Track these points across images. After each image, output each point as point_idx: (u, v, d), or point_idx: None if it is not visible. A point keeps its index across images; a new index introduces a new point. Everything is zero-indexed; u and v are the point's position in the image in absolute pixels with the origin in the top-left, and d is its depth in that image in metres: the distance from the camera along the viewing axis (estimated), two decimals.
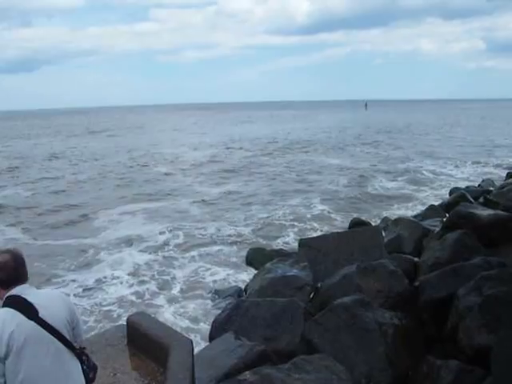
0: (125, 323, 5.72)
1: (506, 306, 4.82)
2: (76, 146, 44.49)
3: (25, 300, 3.31)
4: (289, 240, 14.81)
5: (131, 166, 30.99)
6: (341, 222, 16.72)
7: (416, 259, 9.68)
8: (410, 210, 18.03)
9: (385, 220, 15.51)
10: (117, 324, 7.68)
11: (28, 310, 3.29)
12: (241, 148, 41.05)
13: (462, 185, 21.47)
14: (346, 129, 62.55)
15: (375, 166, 30.30)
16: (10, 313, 3.25)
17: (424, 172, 27.48)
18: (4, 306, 3.28)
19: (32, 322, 3.25)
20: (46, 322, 3.30)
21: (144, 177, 27.51)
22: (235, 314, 7.90)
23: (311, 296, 9.06)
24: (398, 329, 6.49)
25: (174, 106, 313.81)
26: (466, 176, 26.33)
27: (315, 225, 16.53)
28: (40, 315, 3.29)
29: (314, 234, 14.06)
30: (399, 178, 25.72)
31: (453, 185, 22.12)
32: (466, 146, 40.94)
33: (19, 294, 3.33)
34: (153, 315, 7.20)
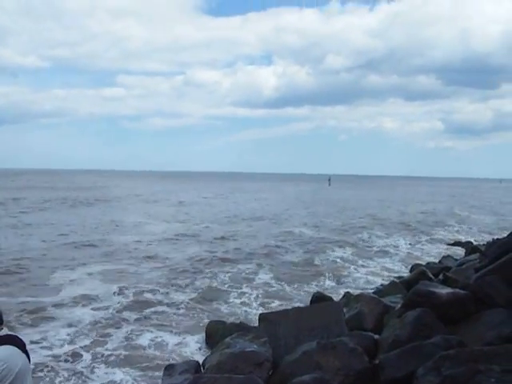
0: None
1: None
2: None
3: (17, 337, 4.03)
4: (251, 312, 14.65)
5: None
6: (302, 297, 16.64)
7: (376, 336, 9.66)
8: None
9: (346, 296, 15.52)
10: None
11: (22, 346, 3.99)
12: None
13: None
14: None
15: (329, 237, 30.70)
16: (13, 350, 3.89)
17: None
18: (6, 343, 3.86)
19: (23, 356, 3.95)
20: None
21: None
22: None
23: (270, 373, 8.95)
24: None
25: (138, 172, 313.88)
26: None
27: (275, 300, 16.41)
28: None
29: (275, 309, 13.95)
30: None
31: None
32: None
33: (10, 333, 4.01)
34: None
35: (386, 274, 20.46)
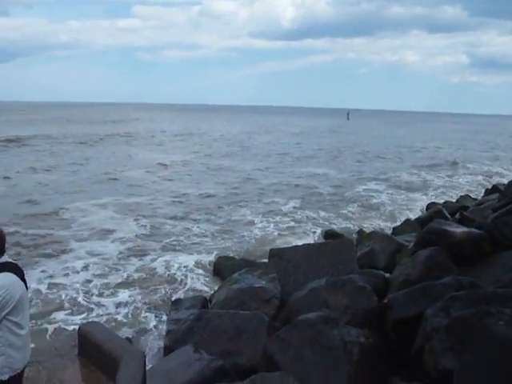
0: (76, 332, 5.57)
1: (472, 328, 4.71)
2: None
3: (17, 265, 4.21)
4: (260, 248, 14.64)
5: None
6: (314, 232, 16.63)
7: (387, 275, 9.59)
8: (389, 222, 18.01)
9: (360, 233, 15.48)
10: (68, 333, 7.49)
11: (21, 273, 4.18)
12: None
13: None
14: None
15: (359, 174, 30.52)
16: (14, 277, 4.06)
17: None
18: (5, 270, 4.04)
19: (22, 283, 4.14)
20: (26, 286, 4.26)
21: None
22: (196, 326, 7.77)
23: (278, 309, 8.93)
24: (363, 347, 6.35)
25: (153, 105, 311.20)
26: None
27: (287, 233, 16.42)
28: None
29: (287, 245, 13.88)
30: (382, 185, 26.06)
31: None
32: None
33: (10, 260, 4.18)
34: (107, 325, 7.04)
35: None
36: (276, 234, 16.21)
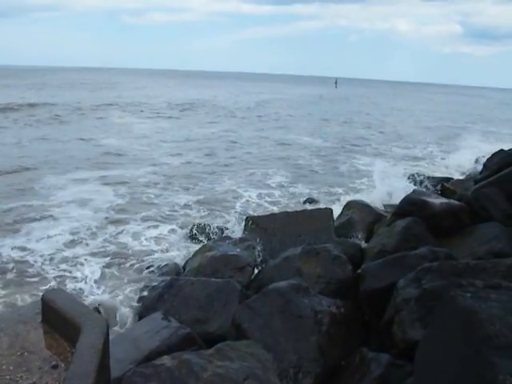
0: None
1: (440, 300, 4.70)
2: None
3: None
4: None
5: None
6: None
7: (364, 245, 9.61)
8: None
9: (340, 201, 15.49)
10: (33, 300, 7.43)
11: None
12: None
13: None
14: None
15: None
16: None
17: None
18: None
19: None
20: None
21: None
22: (167, 293, 7.77)
23: (252, 278, 8.94)
24: (334, 317, 6.35)
25: (136, 70, 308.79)
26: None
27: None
28: None
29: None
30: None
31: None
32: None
33: None
34: (74, 291, 7.00)
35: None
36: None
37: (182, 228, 13.19)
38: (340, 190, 18.23)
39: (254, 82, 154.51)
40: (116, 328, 7.96)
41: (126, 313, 8.56)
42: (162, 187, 17.71)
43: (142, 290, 9.22)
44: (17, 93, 57.71)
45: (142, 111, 44.60)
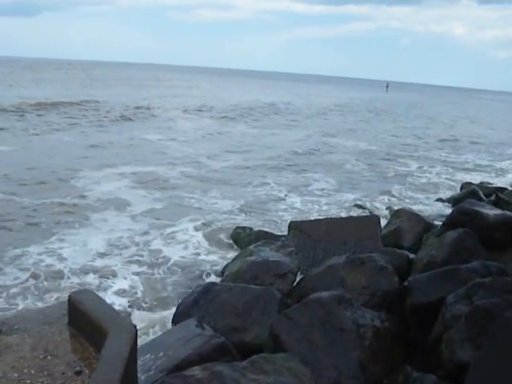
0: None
1: (493, 319, 4.45)
2: None
3: None
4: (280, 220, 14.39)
5: None
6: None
7: (412, 256, 9.34)
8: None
9: (389, 209, 15.23)
10: (60, 300, 7.33)
11: None
12: None
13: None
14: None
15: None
16: None
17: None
18: None
19: None
20: None
21: None
22: (203, 299, 7.56)
23: (294, 285, 8.74)
24: (378, 332, 6.15)
25: (184, 67, 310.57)
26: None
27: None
28: None
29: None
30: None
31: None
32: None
33: None
34: (105, 287, 6.88)
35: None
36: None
37: (224, 230, 13.01)
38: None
39: (306, 84, 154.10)
40: (148, 334, 7.82)
41: (159, 318, 8.44)
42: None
43: (178, 295, 9.10)
44: (79, 88, 58.35)
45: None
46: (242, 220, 14.17)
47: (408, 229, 11.27)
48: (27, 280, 9.62)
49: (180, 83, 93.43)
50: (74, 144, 24.45)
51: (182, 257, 11.32)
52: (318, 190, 18.70)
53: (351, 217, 12.20)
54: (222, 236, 12.70)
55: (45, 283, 9.59)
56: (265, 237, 11.56)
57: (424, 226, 11.31)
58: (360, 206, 15.81)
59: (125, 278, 10.04)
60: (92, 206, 14.63)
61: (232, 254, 11.15)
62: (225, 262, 10.69)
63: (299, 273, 9.16)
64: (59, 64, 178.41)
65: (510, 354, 3.56)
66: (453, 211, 9.51)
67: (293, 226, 10.86)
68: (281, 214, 15.17)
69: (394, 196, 18.26)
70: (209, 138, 29.74)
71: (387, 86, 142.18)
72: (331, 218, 11.51)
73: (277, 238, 11.41)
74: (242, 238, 12.04)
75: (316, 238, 10.23)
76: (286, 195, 17.42)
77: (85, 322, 4.88)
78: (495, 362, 3.72)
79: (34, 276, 9.82)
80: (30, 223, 12.83)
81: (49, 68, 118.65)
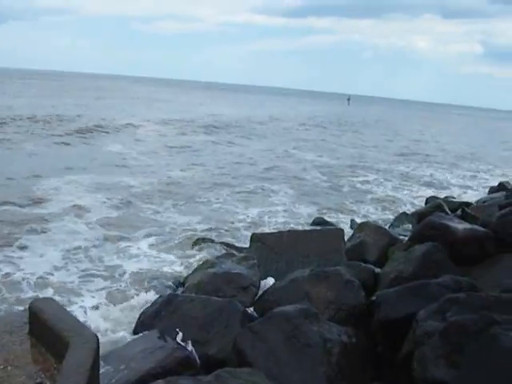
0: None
1: (471, 337, 4.34)
2: None
3: None
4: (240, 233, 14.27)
5: None
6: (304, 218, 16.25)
7: (377, 270, 9.26)
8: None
9: (352, 223, 15.17)
10: (21, 308, 7.07)
11: None
12: None
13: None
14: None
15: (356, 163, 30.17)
16: None
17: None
18: None
19: None
20: None
21: None
22: (164, 310, 7.47)
23: (256, 298, 8.61)
24: (345, 347, 6.07)
25: (147, 79, 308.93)
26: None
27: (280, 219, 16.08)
28: None
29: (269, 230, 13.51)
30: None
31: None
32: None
33: None
34: (62, 302, 6.65)
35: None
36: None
37: (183, 243, 12.81)
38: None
39: (269, 96, 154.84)
40: (108, 344, 7.58)
41: (119, 329, 8.21)
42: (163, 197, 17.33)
43: (138, 307, 8.90)
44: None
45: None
46: (199, 231, 14.02)
47: (373, 242, 11.19)
48: None
49: (143, 95, 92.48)
50: (35, 154, 24.05)
51: (140, 269, 11.08)
52: (276, 201, 18.63)
53: (314, 229, 12.13)
54: (181, 247, 12.51)
55: (3, 293, 9.35)
56: (226, 248, 11.44)
57: (389, 239, 11.24)
58: (321, 219, 15.71)
59: (83, 290, 9.81)
60: (51, 214, 14.42)
61: (192, 265, 10.98)
62: (185, 274, 10.52)
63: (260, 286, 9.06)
64: (22, 74, 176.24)
65: (495, 370, 3.46)
66: (420, 224, 9.44)
67: (255, 238, 10.75)
68: (238, 225, 15.03)
69: (353, 210, 18.29)
70: (170, 151, 29.50)
71: (349, 100, 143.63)
72: (294, 231, 11.45)
73: (238, 249, 11.32)
74: (202, 249, 11.87)
75: (278, 251, 10.13)
76: (244, 207, 17.33)
77: (46, 331, 4.67)
78: (478, 379, 3.62)
79: None
80: None
81: (11, 78, 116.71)
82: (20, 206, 14.96)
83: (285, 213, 17.07)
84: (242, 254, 10.28)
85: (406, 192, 22.76)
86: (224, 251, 11.46)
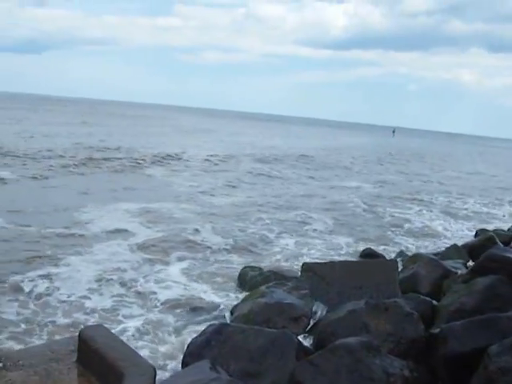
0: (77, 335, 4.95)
1: None
2: None
3: None
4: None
5: None
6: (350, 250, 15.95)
7: (435, 302, 8.94)
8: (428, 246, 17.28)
9: (400, 254, 14.82)
10: (68, 336, 6.89)
11: None
12: None
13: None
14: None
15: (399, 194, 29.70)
16: None
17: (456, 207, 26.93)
18: None
19: None
20: None
21: None
22: (215, 339, 7.16)
23: (307, 329, 8.35)
24: (407, 382, 5.80)
25: (190, 109, 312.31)
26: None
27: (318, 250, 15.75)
28: None
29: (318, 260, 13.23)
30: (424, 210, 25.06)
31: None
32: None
33: None
34: (113, 330, 6.46)
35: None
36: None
37: (229, 270, 12.63)
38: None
39: (313, 127, 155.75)
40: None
41: (165, 358, 8.02)
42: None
43: (185, 333, 8.74)
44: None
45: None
46: (235, 259, 13.91)
47: (425, 274, 10.86)
48: (26, 313, 9.27)
49: (188, 124, 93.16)
50: (87, 185, 24.17)
51: (181, 295, 10.89)
52: (314, 230, 18.37)
53: (368, 260, 11.84)
54: (222, 274, 12.39)
55: (41, 317, 9.24)
56: (274, 278, 11.19)
57: (442, 272, 10.90)
58: (370, 250, 15.38)
59: (119, 316, 9.67)
60: (93, 237, 14.52)
61: (240, 294, 10.88)
62: (233, 302, 10.32)
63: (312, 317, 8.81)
64: (65, 101, 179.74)
65: None
66: (482, 257, 9.11)
67: (306, 267, 10.50)
68: (278, 257, 14.78)
69: (396, 242, 17.92)
70: (215, 175, 29.60)
71: (394, 132, 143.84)
72: (346, 261, 11.24)
73: (287, 279, 11.04)
74: (250, 277, 11.63)
75: (330, 281, 9.86)
76: (279, 234, 17.14)
77: (97, 360, 4.47)
78: None
79: (33, 307, 9.54)
80: (32, 250, 12.67)
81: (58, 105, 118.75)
82: (66, 229, 15.08)
83: (323, 242, 16.79)
84: (292, 284, 10.05)
85: (452, 224, 22.27)
86: (272, 280, 11.22)
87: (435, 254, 14.37)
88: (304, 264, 10.79)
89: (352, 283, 9.71)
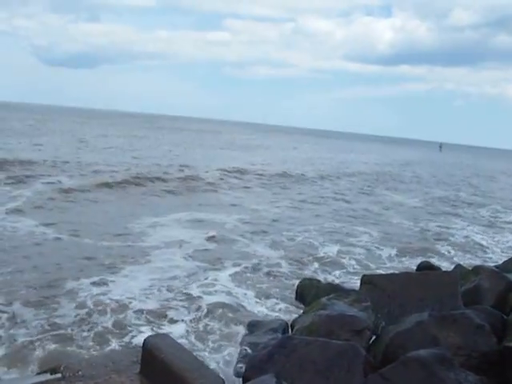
0: (140, 346, 4.78)
1: None
2: None
3: None
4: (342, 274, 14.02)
5: None
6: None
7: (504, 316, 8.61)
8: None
9: (458, 268, 14.45)
10: (130, 346, 6.74)
11: None
12: None
13: None
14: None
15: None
16: None
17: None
18: None
19: None
20: None
21: None
22: (278, 353, 6.92)
23: (370, 342, 8.09)
24: None
25: (239, 123, 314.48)
26: None
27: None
28: None
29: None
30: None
31: None
32: None
33: None
34: (178, 340, 6.31)
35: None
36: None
37: (286, 282, 12.50)
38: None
39: (362, 143, 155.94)
40: None
41: (227, 372, 7.83)
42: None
43: (244, 345, 8.53)
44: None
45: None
46: (286, 269, 13.90)
47: (489, 287, 10.51)
48: (82, 319, 9.29)
49: (240, 139, 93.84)
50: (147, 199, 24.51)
51: (244, 306, 10.93)
52: (359, 242, 18.27)
53: (429, 272, 11.49)
54: (287, 287, 12.25)
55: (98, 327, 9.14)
56: (333, 290, 10.97)
57: (506, 284, 10.54)
58: (428, 263, 15.04)
59: (172, 323, 9.72)
60: (152, 246, 14.77)
61: (299, 306, 10.84)
62: (293, 316, 10.16)
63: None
64: (122, 115, 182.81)
65: None
66: None
67: (366, 279, 10.26)
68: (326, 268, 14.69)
69: (441, 253, 17.79)
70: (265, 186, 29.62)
71: (440, 147, 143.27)
72: (408, 273, 10.93)
73: (347, 291, 10.80)
74: (309, 289, 11.44)
75: (391, 294, 9.60)
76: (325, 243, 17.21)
77: (162, 371, 4.28)
78: None
79: (87, 314, 9.58)
80: (89, 258, 13.01)
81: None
82: (125, 240, 15.36)
83: (367, 253, 16.79)
84: (353, 296, 9.82)
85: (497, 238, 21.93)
86: (332, 292, 11.00)
87: (496, 266, 14.03)
88: (363, 276, 10.54)
89: (414, 295, 9.44)
